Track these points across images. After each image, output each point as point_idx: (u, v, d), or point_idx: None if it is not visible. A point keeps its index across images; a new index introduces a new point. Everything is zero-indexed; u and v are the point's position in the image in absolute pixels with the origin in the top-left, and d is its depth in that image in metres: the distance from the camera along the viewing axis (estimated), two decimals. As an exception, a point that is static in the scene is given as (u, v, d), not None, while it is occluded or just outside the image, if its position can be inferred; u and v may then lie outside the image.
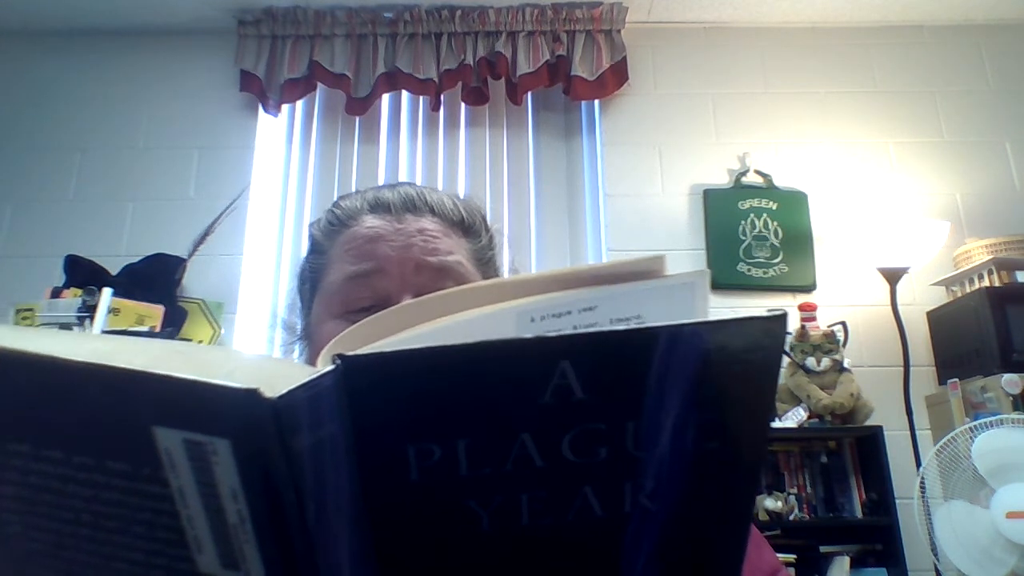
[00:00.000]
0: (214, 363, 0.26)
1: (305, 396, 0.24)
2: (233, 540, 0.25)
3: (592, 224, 2.83)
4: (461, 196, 0.74)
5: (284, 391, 0.23)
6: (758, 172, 2.83)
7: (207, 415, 0.24)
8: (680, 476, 0.29)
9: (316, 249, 0.70)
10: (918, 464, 2.21)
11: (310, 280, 0.70)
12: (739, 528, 0.32)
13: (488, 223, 0.73)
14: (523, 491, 0.27)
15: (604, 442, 0.28)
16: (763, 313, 0.28)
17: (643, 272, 0.33)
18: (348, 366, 0.25)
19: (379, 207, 0.68)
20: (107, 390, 0.24)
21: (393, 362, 0.25)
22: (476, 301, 0.33)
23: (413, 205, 0.68)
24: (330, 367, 0.25)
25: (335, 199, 0.73)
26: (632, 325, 0.28)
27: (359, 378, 0.25)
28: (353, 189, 2.82)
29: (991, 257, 2.44)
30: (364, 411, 0.25)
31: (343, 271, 0.65)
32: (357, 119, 2.93)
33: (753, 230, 2.75)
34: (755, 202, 2.79)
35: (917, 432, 2.37)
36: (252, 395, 0.23)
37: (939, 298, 2.62)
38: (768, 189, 2.80)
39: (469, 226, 0.70)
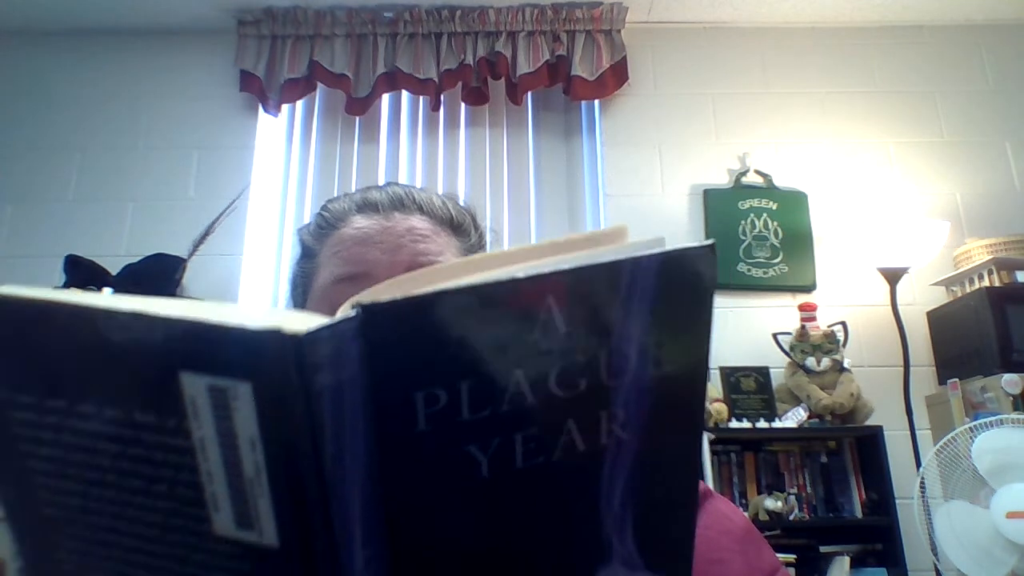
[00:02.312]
0: (237, 312, 0.27)
1: (328, 336, 0.25)
2: (248, 495, 0.26)
3: (592, 224, 2.83)
4: (457, 196, 0.73)
5: (308, 329, 0.25)
6: (758, 172, 2.83)
7: (232, 357, 0.25)
8: (644, 402, 0.33)
9: (306, 253, 0.70)
10: (918, 464, 2.21)
11: (301, 285, 0.70)
12: (691, 457, 0.38)
13: (477, 221, 0.73)
14: (517, 430, 0.30)
15: (583, 374, 0.31)
16: (699, 243, 0.33)
17: (604, 241, 0.36)
18: (367, 313, 0.26)
19: (367, 207, 0.68)
20: (140, 338, 0.26)
21: (407, 307, 0.27)
22: (452, 275, 0.35)
23: (401, 204, 0.67)
24: (351, 313, 0.26)
25: (324, 202, 0.73)
26: (600, 259, 0.31)
27: (377, 325, 0.26)
28: (353, 189, 2.83)
29: (991, 257, 2.44)
30: (380, 358, 0.27)
31: (331, 274, 0.65)
32: (357, 119, 2.93)
33: (753, 230, 2.75)
34: (755, 202, 2.79)
35: (917, 432, 2.37)
36: (276, 334, 0.24)
37: (939, 298, 2.62)
38: (768, 189, 2.80)
39: (458, 224, 0.70)
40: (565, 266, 0.30)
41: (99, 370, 0.27)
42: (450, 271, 0.35)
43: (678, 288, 0.33)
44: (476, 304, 0.28)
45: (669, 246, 0.32)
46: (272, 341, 0.24)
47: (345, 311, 0.27)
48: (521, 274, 0.29)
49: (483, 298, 0.28)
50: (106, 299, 0.27)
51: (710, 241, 0.34)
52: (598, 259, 0.31)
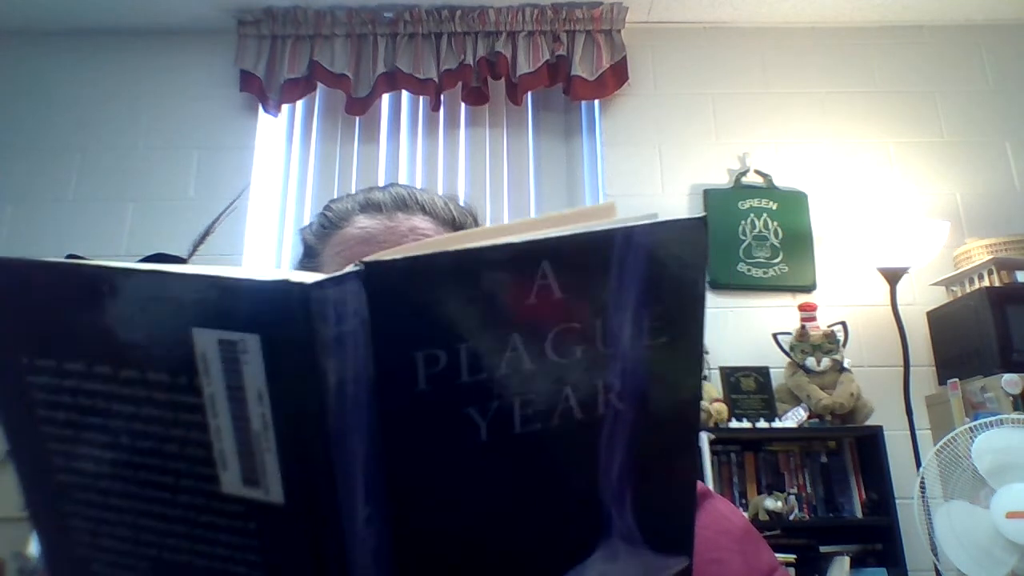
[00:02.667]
0: (245, 270, 0.28)
1: (333, 288, 0.26)
2: (256, 451, 0.27)
3: (592, 224, 2.82)
4: (458, 197, 0.74)
5: (314, 280, 0.26)
6: (758, 172, 2.83)
7: (241, 310, 0.26)
8: (639, 373, 0.34)
9: (308, 253, 0.70)
10: (918, 464, 2.21)
11: None
12: (689, 435, 0.38)
13: (479, 222, 0.73)
14: (515, 394, 0.31)
15: (580, 340, 0.32)
16: (690, 215, 0.34)
17: (596, 215, 0.37)
18: (370, 269, 0.27)
19: (370, 207, 0.68)
20: (155, 295, 0.27)
21: (408, 267, 0.28)
22: (453, 244, 0.36)
23: (404, 204, 0.68)
24: (355, 268, 0.27)
25: (327, 202, 0.73)
26: (593, 228, 0.32)
27: (379, 282, 0.27)
28: (353, 189, 2.83)
29: (991, 257, 2.44)
30: (381, 315, 0.27)
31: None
32: (357, 119, 2.93)
33: (753, 230, 2.75)
34: (755, 202, 2.79)
35: (917, 432, 2.37)
36: (285, 284, 0.26)
37: (939, 298, 2.62)
38: (768, 189, 2.80)
39: (460, 225, 0.70)
40: (560, 232, 0.31)
41: (116, 330, 0.28)
42: (451, 241, 0.35)
43: (670, 259, 0.34)
44: (474, 267, 0.29)
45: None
46: (280, 292, 0.26)
47: (349, 268, 0.28)
48: (517, 239, 0.30)
49: (480, 261, 0.29)
50: (121, 263, 0.28)
51: (701, 214, 0.35)
52: (592, 228, 0.32)
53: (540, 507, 0.33)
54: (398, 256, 0.28)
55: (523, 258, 0.30)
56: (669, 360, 0.35)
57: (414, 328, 0.28)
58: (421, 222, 0.67)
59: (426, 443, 0.29)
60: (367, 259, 0.27)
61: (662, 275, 0.34)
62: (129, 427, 0.29)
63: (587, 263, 0.32)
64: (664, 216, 0.33)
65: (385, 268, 0.27)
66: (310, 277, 0.26)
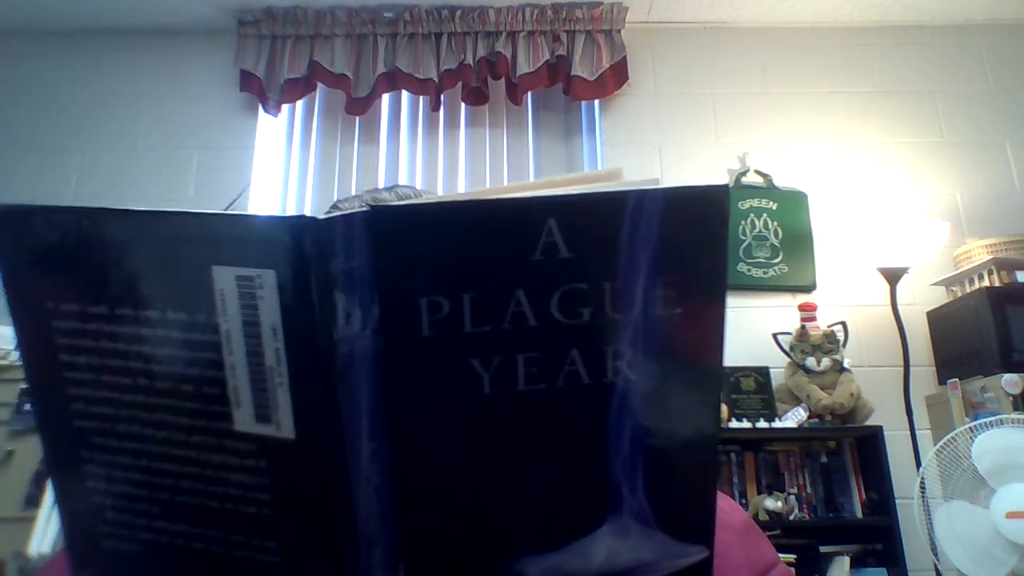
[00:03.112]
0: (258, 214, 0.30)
1: (342, 224, 0.28)
2: (269, 387, 0.28)
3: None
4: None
5: (324, 216, 0.27)
6: (758, 172, 2.83)
7: (258, 246, 0.27)
8: (653, 343, 0.33)
9: None
10: (918, 464, 2.21)
11: None
12: (708, 413, 0.36)
13: None
14: (519, 351, 0.31)
15: (587, 302, 0.31)
16: (709, 185, 0.33)
17: (602, 178, 0.37)
18: (375, 212, 0.28)
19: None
20: (176, 234, 0.29)
21: (412, 214, 0.29)
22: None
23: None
24: (362, 209, 0.28)
25: (334, 201, 0.74)
26: (604, 189, 0.32)
27: (383, 224, 0.28)
28: (353, 189, 2.83)
29: (991, 257, 2.44)
30: (385, 256, 0.28)
31: None
32: (357, 119, 2.93)
33: (753, 230, 2.75)
34: (755, 202, 2.79)
35: (917, 432, 2.37)
36: (298, 219, 0.27)
37: (939, 298, 2.62)
38: (768, 189, 2.80)
39: None
40: (568, 190, 0.31)
41: (138, 272, 0.29)
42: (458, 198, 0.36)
43: (687, 228, 0.32)
44: (477, 218, 0.29)
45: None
46: (295, 228, 0.27)
47: (356, 210, 0.29)
48: (524, 195, 0.30)
49: (484, 214, 0.30)
50: (142, 206, 0.29)
51: (724, 183, 0.34)
52: (603, 189, 0.32)
53: (544, 468, 0.32)
54: (397, 204, 0.29)
55: (528, 214, 0.30)
56: (685, 333, 0.33)
57: (416, 273, 0.29)
58: None
59: (428, 390, 0.30)
60: (373, 204, 0.28)
61: (678, 244, 0.32)
62: (147, 368, 0.30)
63: (596, 224, 0.31)
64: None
65: (389, 212, 0.28)
66: (321, 216, 0.27)
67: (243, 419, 0.29)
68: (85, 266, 0.29)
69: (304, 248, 0.27)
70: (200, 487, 0.30)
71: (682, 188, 0.32)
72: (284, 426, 0.28)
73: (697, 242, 0.33)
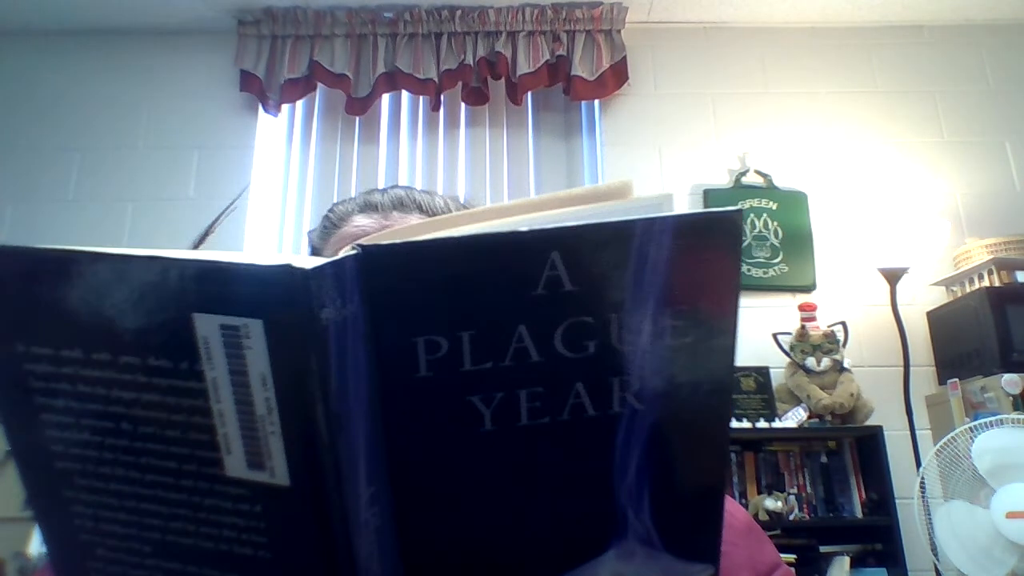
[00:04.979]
0: (245, 255, 0.28)
1: (332, 272, 0.26)
2: (260, 434, 0.27)
3: (592, 224, 2.82)
4: (459, 197, 0.76)
5: (314, 265, 0.26)
6: (758, 172, 2.83)
7: (243, 295, 0.26)
8: (661, 372, 0.32)
9: (313, 253, 0.73)
10: (918, 464, 2.21)
11: None
12: (718, 439, 0.35)
13: None
14: (521, 386, 0.30)
15: (592, 335, 0.30)
16: (722, 210, 0.31)
17: (610, 194, 0.35)
18: (366, 253, 0.27)
19: (368, 208, 0.71)
20: (155, 280, 0.27)
21: (405, 252, 0.27)
22: (453, 224, 0.35)
23: (401, 204, 0.70)
24: (352, 252, 0.27)
25: (331, 204, 0.76)
26: (610, 219, 0.30)
27: (375, 265, 0.27)
28: (353, 189, 2.83)
29: (991, 257, 2.44)
30: (379, 298, 0.27)
31: None
32: (357, 119, 2.93)
33: (753, 230, 2.75)
34: (755, 202, 2.79)
35: (917, 432, 2.37)
36: (287, 268, 0.25)
37: (939, 298, 2.62)
38: (768, 189, 2.80)
39: None
40: (572, 222, 0.29)
41: (115, 317, 0.28)
42: (451, 221, 0.35)
43: (698, 255, 0.31)
44: (475, 253, 0.28)
45: (686, 209, 0.31)
46: (282, 276, 0.25)
47: (346, 251, 0.27)
48: (524, 227, 0.28)
49: (483, 249, 0.28)
50: (120, 249, 0.28)
51: (736, 207, 0.32)
52: (607, 217, 0.30)
53: (547, 499, 0.32)
54: (396, 240, 0.27)
55: (530, 248, 0.28)
56: (695, 362, 0.32)
57: (412, 313, 0.28)
58: (417, 220, 0.68)
59: (428, 429, 0.29)
60: (362, 242, 0.27)
61: (688, 272, 0.31)
62: (130, 413, 0.29)
63: (602, 255, 0.29)
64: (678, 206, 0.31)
65: (381, 252, 0.27)
66: (311, 261, 0.26)
67: (234, 465, 0.28)
68: (56, 309, 0.28)
69: (294, 298, 0.25)
70: (192, 528, 0.29)
71: (693, 215, 0.31)
72: (278, 473, 0.27)
73: (708, 269, 0.32)
